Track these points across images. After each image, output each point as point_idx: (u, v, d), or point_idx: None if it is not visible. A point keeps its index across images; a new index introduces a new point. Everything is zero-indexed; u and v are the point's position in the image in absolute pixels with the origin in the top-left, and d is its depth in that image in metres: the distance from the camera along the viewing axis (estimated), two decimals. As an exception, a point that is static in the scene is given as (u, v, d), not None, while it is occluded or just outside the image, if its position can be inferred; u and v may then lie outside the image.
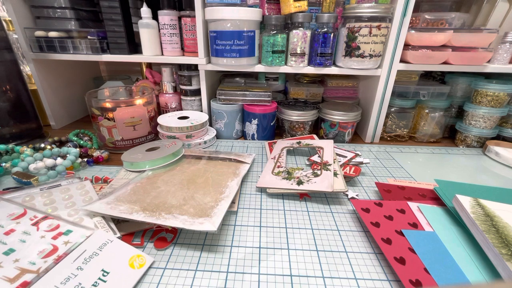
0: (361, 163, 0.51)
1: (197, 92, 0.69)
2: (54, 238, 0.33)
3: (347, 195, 0.45)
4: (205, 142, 0.62)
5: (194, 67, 0.66)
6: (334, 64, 0.63)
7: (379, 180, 0.50)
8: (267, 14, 0.62)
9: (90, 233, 0.34)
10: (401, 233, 0.35)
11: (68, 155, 0.51)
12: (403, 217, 0.38)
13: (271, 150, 0.59)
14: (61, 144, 0.62)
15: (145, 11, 0.60)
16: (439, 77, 0.74)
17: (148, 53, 0.64)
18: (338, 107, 0.66)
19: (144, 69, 0.84)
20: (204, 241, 0.35)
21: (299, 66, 0.61)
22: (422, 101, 0.66)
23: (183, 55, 0.66)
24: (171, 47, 0.64)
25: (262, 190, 0.46)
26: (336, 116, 0.63)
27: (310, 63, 0.62)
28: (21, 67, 0.62)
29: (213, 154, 0.55)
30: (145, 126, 0.60)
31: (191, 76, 0.67)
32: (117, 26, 0.61)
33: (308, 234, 0.37)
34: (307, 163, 0.55)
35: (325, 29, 0.57)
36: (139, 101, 0.58)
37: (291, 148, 0.58)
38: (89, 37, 0.63)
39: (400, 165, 0.56)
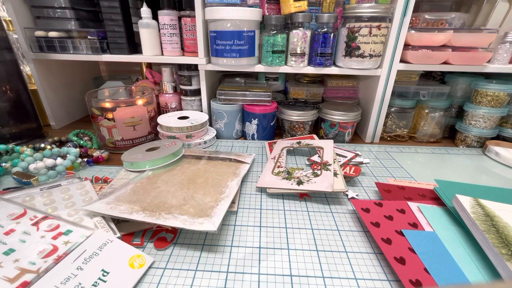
0: (361, 163, 0.51)
1: (197, 92, 0.69)
2: (54, 238, 0.33)
3: (347, 195, 0.45)
4: (205, 142, 0.62)
5: (194, 67, 0.66)
6: (334, 64, 0.63)
7: (379, 180, 0.50)
8: (267, 14, 0.62)
9: (90, 233, 0.34)
10: (401, 233, 0.35)
11: (68, 155, 0.51)
12: (403, 217, 0.38)
13: (271, 150, 0.59)
14: (61, 144, 0.62)
15: (145, 11, 0.60)
16: (439, 77, 0.74)
17: (148, 53, 0.64)
18: (338, 107, 0.66)
19: (144, 69, 0.84)
20: (204, 241, 0.35)
21: (299, 66, 0.61)
22: (422, 101, 0.66)
23: (183, 55, 0.66)
24: (171, 47, 0.64)
25: (262, 190, 0.46)
26: (336, 116, 0.63)
27: (310, 63, 0.62)
28: (21, 67, 0.62)
29: (213, 154, 0.55)
30: (145, 126, 0.60)
31: (191, 76, 0.67)
32: (117, 26, 0.61)
33: (308, 234, 0.37)
34: (307, 163, 0.55)
35: (325, 29, 0.57)
36: (139, 101, 0.58)
37: (291, 148, 0.58)
38: (89, 37, 0.63)
39: (400, 165, 0.56)
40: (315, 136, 0.64)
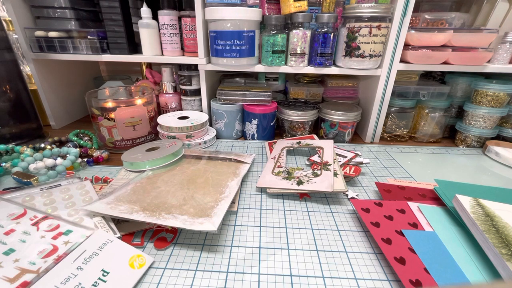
0: (361, 163, 0.51)
1: (197, 92, 0.69)
2: (54, 238, 0.33)
3: (347, 195, 0.45)
4: (205, 142, 0.62)
5: (194, 67, 0.66)
6: (334, 64, 0.63)
7: (379, 180, 0.50)
8: (267, 14, 0.62)
9: (90, 233, 0.34)
10: (401, 233, 0.35)
11: (68, 155, 0.51)
12: (403, 217, 0.38)
13: (271, 150, 0.59)
14: (61, 144, 0.62)
15: (145, 11, 0.60)
16: (439, 77, 0.74)
17: (148, 53, 0.64)
18: (338, 107, 0.66)
19: (144, 69, 0.84)
20: (204, 241, 0.35)
21: (299, 66, 0.61)
22: (422, 101, 0.66)
23: (183, 55, 0.66)
24: (171, 47, 0.64)
25: (262, 190, 0.46)
26: (336, 116, 0.63)
27: (310, 63, 0.62)
28: (21, 67, 0.62)
29: (213, 154, 0.55)
30: (145, 126, 0.60)
31: (191, 76, 0.67)
32: (117, 26, 0.61)
33: (308, 234, 0.37)
34: (307, 163, 0.55)
35: (325, 29, 0.57)
36: (139, 101, 0.58)
37: (291, 148, 0.58)
38: (89, 37, 0.63)
39: (400, 165, 0.56)
40: (315, 136, 0.64)
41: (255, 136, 0.67)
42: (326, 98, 0.76)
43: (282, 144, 0.59)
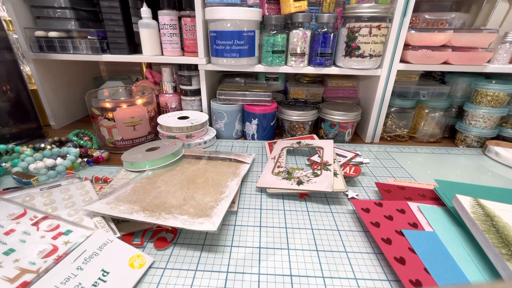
0: (361, 163, 0.51)
1: (197, 92, 0.69)
2: (54, 238, 0.33)
3: (347, 195, 0.45)
4: (205, 142, 0.62)
5: (194, 67, 0.66)
6: (334, 64, 0.63)
7: (379, 180, 0.50)
8: (267, 14, 0.62)
9: (90, 233, 0.34)
10: (401, 233, 0.35)
11: (68, 155, 0.51)
12: (403, 217, 0.38)
13: (271, 150, 0.59)
14: (61, 144, 0.62)
15: (145, 11, 0.60)
16: (439, 77, 0.74)
17: (148, 53, 0.64)
18: (338, 107, 0.66)
19: (144, 69, 0.84)
20: (204, 241, 0.35)
21: (299, 66, 0.61)
22: (422, 101, 0.66)
23: (183, 55, 0.66)
24: (171, 47, 0.64)
25: (262, 190, 0.46)
26: (336, 116, 0.63)
27: (310, 63, 0.62)
28: (21, 67, 0.62)
29: (213, 154, 0.55)
30: (145, 126, 0.60)
31: (191, 76, 0.67)
32: (117, 26, 0.61)
33: (308, 234, 0.37)
34: (307, 163, 0.55)
35: (325, 29, 0.57)
36: (139, 101, 0.58)
37: (291, 148, 0.58)
38: (89, 37, 0.63)
39: (400, 165, 0.56)
40: (315, 136, 0.64)
41: (255, 136, 0.67)
42: (326, 98, 0.76)
43: (282, 144, 0.59)
